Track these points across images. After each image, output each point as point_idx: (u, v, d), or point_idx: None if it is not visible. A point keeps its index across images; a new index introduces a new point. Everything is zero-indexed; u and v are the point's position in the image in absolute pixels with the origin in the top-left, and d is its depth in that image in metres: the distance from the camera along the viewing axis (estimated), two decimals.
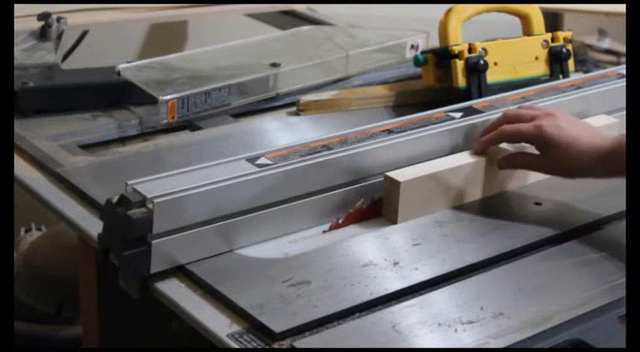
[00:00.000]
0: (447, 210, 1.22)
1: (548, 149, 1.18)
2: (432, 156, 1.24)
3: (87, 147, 1.40)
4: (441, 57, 1.53)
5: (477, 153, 1.23)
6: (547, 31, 1.58)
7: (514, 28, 1.61)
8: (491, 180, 1.25)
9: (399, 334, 0.98)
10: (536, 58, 1.56)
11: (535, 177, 1.28)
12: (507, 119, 1.24)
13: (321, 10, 2.00)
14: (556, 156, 1.18)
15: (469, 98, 1.44)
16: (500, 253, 1.13)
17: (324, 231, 1.17)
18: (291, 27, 1.77)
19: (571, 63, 1.58)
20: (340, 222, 1.18)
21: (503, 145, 1.25)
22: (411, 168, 1.20)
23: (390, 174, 1.18)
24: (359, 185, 1.20)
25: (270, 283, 1.05)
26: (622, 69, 1.50)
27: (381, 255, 1.11)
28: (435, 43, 1.60)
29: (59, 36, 1.56)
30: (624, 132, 1.17)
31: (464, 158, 1.23)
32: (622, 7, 1.90)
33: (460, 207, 1.23)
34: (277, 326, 0.97)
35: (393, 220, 1.18)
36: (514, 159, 1.23)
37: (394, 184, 1.17)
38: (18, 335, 1.81)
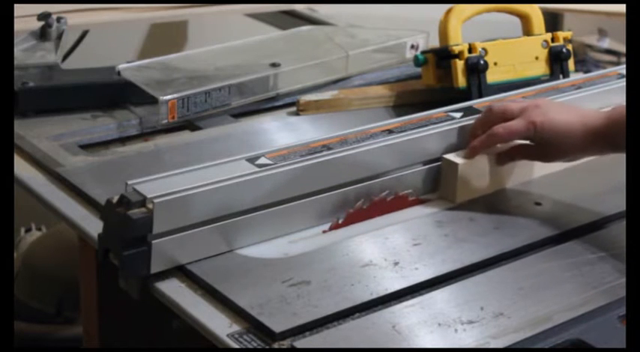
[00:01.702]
0: (447, 210, 1.22)
1: (544, 142, 1.20)
2: (432, 157, 1.24)
3: (87, 147, 1.40)
4: (441, 57, 1.52)
5: (468, 158, 1.24)
6: (547, 31, 1.58)
7: (514, 28, 1.60)
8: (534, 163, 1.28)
9: (399, 334, 0.98)
10: (536, 58, 1.55)
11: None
12: (495, 116, 1.23)
13: (321, 10, 2.00)
14: (553, 147, 1.20)
15: (469, 98, 1.44)
16: (500, 253, 1.13)
17: (324, 231, 1.17)
18: (291, 27, 1.76)
19: (571, 63, 1.58)
20: (340, 221, 1.18)
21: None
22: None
23: (448, 156, 1.23)
24: (359, 185, 1.20)
25: (270, 283, 1.05)
26: (622, 69, 1.50)
27: (381, 255, 1.11)
28: (435, 43, 1.60)
29: (59, 36, 1.55)
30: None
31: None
32: (622, 7, 1.90)
33: (460, 206, 1.23)
34: (277, 326, 0.97)
35: (452, 200, 1.23)
36: (512, 153, 1.25)
37: (452, 166, 1.22)
38: (18, 335, 1.81)
